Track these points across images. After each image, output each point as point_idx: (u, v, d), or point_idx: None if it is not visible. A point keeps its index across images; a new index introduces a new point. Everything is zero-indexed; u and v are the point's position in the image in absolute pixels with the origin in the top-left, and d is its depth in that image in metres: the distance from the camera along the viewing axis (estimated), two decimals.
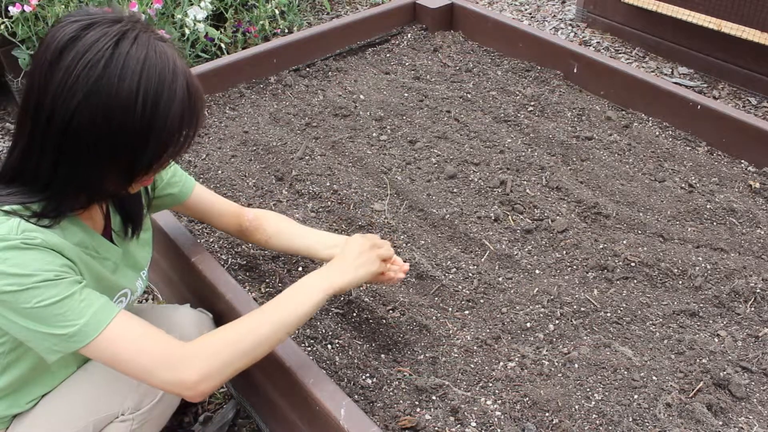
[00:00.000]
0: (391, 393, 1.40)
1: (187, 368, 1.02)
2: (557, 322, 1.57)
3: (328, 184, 1.99)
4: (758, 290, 1.63)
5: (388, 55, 2.71)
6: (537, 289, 1.66)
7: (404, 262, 1.71)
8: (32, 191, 1.01)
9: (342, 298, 1.61)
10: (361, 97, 2.40)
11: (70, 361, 1.25)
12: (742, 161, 2.10)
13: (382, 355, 1.51)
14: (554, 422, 1.34)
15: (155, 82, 0.96)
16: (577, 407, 1.37)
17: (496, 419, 1.35)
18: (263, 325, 1.10)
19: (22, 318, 0.98)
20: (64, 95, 0.94)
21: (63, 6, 2.57)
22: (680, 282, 1.68)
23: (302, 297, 1.16)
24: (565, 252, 1.77)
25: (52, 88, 0.94)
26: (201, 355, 1.04)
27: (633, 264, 1.71)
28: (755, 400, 1.42)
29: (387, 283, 1.41)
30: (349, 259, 1.26)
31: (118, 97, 0.94)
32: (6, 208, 0.99)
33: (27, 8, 2.52)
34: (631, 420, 1.35)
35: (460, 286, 1.67)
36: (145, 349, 1.02)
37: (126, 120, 0.95)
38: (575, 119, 2.30)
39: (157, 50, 0.98)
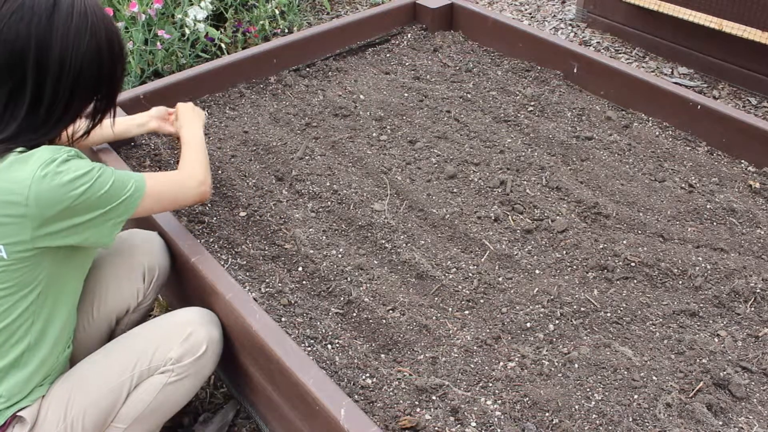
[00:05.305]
0: (391, 393, 1.40)
1: (196, 174, 1.50)
2: (557, 322, 1.58)
3: (328, 184, 1.99)
4: (758, 290, 1.63)
5: (388, 55, 2.71)
6: (537, 289, 1.66)
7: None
8: (32, 136, 1.18)
9: (342, 299, 1.61)
10: (361, 97, 2.40)
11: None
12: (742, 161, 2.10)
13: (382, 355, 1.51)
14: (554, 422, 1.34)
15: (108, 18, 1.24)
16: (577, 407, 1.37)
17: (496, 419, 1.35)
18: (198, 148, 1.60)
19: (96, 209, 1.20)
20: (72, 45, 1.15)
21: None
22: (680, 282, 1.68)
23: (196, 130, 1.68)
24: (565, 252, 1.77)
25: (56, 43, 1.13)
26: (194, 165, 1.53)
27: (633, 264, 1.71)
28: (755, 400, 1.42)
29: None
30: (195, 110, 1.80)
31: (106, 34, 1.21)
32: (19, 149, 1.16)
33: None
34: (631, 420, 1.35)
35: (460, 286, 1.67)
36: (172, 177, 1.45)
37: (113, 51, 1.23)
38: (575, 119, 2.30)
39: None
